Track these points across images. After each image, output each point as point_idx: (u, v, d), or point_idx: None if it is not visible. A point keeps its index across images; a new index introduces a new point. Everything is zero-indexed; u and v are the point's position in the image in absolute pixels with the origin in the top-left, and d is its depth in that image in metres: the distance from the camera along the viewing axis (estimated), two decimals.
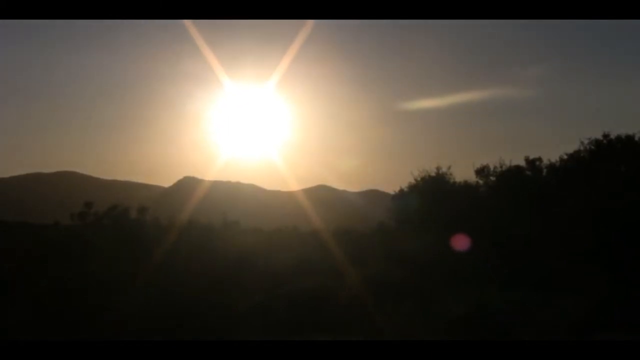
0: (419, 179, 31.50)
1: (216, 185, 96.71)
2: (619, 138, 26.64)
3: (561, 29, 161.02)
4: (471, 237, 24.40)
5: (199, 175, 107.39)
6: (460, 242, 18.57)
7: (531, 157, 28.85)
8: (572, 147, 27.59)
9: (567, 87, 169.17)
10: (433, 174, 31.16)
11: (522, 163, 28.92)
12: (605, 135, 26.82)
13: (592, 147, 26.83)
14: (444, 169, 31.50)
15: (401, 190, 32.56)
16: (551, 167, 28.23)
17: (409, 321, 13.38)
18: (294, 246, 24.46)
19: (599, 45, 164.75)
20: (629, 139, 26.49)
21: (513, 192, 27.34)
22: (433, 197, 29.62)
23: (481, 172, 29.73)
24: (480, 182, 29.94)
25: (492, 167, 29.46)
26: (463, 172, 40.22)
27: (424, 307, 14.61)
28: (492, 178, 29.46)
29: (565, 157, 27.73)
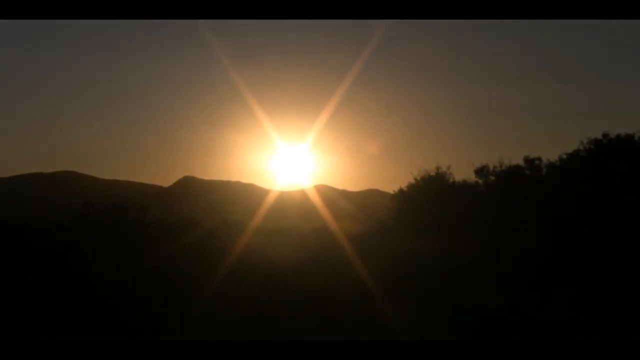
0: (418, 178, 31.60)
1: (216, 185, 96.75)
2: (618, 137, 26.68)
3: (561, 29, 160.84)
4: (470, 237, 24.44)
5: (199, 175, 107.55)
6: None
7: (531, 156, 28.94)
8: (572, 147, 27.69)
9: (567, 87, 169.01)
10: (433, 173, 31.26)
11: (522, 163, 29.00)
12: (605, 135, 26.87)
13: (592, 147, 26.87)
14: (443, 169, 31.66)
15: (401, 190, 32.64)
16: (551, 166, 28.27)
17: (409, 319, 13.39)
18: (294, 246, 24.47)
19: (598, 45, 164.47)
20: (629, 138, 26.52)
21: (512, 191, 27.38)
22: (433, 196, 29.69)
23: (481, 171, 29.79)
24: (480, 181, 30.00)
25: (491, 167, 29.55)
26: (463, 172, 40.46)
27: (424, 305, 14.62)
28: (492, 177, 29.52)
29: (565, 156, 27.79)
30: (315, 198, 33.03)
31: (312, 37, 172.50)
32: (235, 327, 12.87)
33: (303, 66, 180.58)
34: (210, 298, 15.27)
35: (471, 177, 30.13)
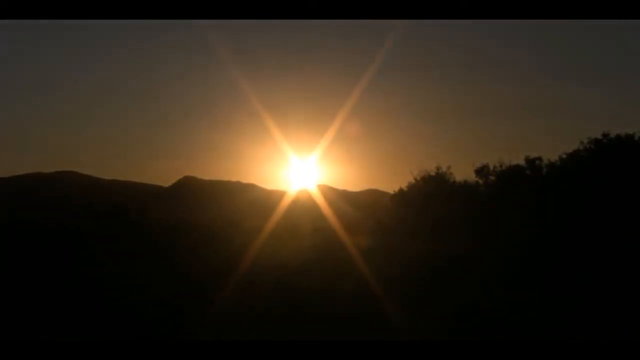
0: (418, 178, 31.57)
1: (216, 185, 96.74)
2: (618, 137, 26.69)
3: (561, 29, 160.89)
4: (470, 237, 24.43)
5: (199, 175, 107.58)
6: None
7: (531, 156, 28.93)
8: (572, 147, 27.70)
9: (567, 87, 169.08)
10: (433, 173, 31.24)
11: (522, 163, 29.00)
12: (605, 135, 26.87)
13: (592, 147, 26.87)
14: (443, 169, 31.64)
15: (401, 190, 32.63)
16: (551, 166, 28.26)
17: (409, 319, 13.39)
18: (293, 246, 24.45)
19: (598, 45, 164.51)
20: (629, 138, 26.53)
21: (513, 191, 27.38)
22: (432, 196, 29.68)
23: (481, 171, 29.78)
24: (480, 181, 29.99)
25: (492, 167, 29.54)
26: (463, 172, 40.46)
27: (424, 305, 14.61)
28: (492, 177, 29.51)
29: (565, 156, 27.79)
30: (316, 198, 33.02)
31: (312, 39, 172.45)
32: (235, 327, 12.87)
33: (304, 66, 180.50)
34: (212, 298, 15.27)
35: (471, 177, 30.12)
